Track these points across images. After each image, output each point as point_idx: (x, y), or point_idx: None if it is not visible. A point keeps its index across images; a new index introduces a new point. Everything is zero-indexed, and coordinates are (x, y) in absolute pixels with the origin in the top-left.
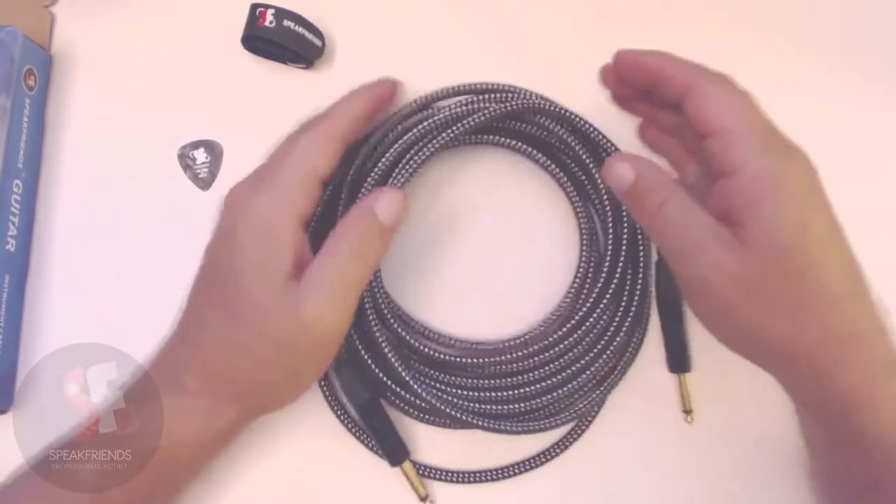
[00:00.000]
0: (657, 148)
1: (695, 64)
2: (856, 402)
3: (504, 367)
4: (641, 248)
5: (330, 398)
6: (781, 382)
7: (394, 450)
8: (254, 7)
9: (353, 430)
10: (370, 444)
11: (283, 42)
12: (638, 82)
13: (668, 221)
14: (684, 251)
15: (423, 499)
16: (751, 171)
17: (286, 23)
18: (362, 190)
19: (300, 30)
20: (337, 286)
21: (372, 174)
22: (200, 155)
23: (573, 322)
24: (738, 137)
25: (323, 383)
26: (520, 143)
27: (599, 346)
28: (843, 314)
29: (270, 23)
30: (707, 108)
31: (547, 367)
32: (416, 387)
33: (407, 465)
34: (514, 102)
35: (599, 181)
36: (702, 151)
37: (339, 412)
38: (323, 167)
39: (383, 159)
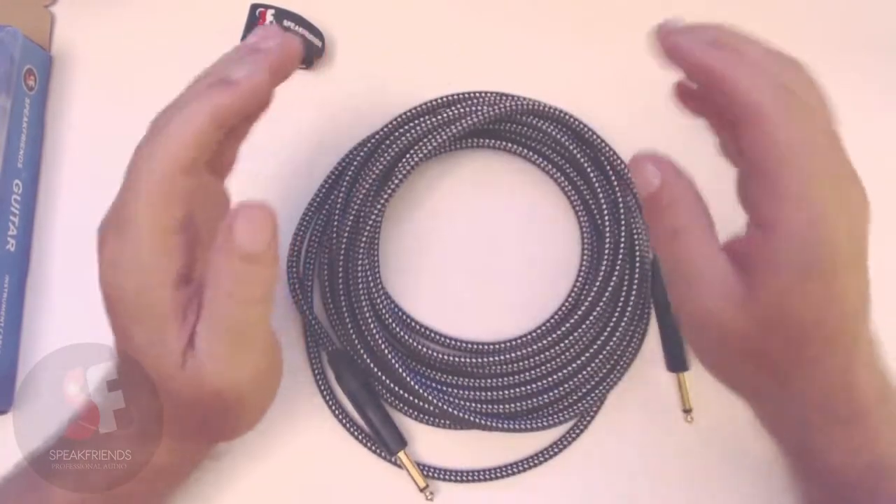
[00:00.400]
0: (695, 112)
1: (770, 68)
2: (828, 437)
3: (504, 366)
4: (639, 247)
5: (325, 392)
6: (755, 409)
7: (390, 439)
8: (254, 7)
9: (348, 425)
10: (366, 440)
11: None
12: (687, 73)
13: (676, 248)
14: (683, 284)
15: (422, 489)
16: (787, 236)
17: (286, 23)
18: (356, 200)
19: (300, 30)
20: (226, 340)
21: (368, 177)
22: None
23: (572, 321)
24: (787, 189)
25: (318, 376)
26: (517, 147)
27: (598, 345)
28: (849, 380)
29: (270, 23)
30: (765, 147)
31: (546, 366)
32: (416, 387)
33: (403, 454)
34: (505, 104)
35: (595, 182)
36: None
37: (333, 407)
38: (175, 217)
39: (379, 163)
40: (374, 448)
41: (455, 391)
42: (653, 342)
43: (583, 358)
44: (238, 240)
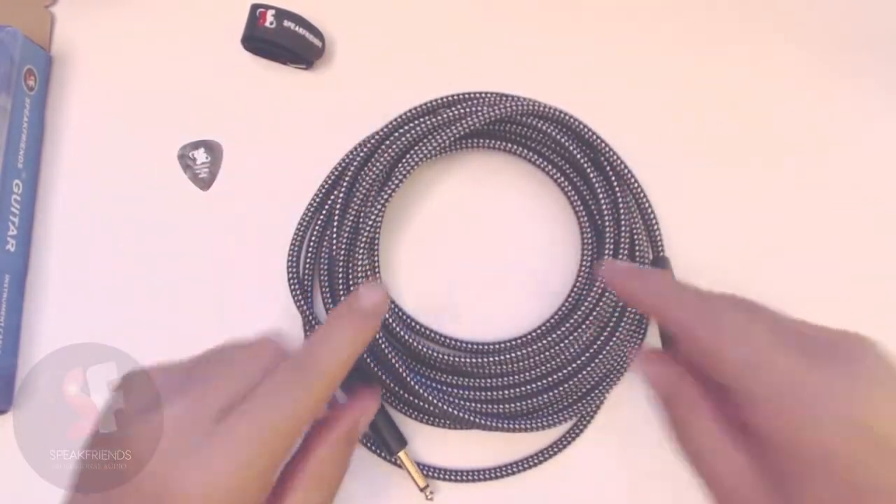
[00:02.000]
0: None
1: (673, 289)
2: None
3: (504, 366)
4: (639, 247)
5: None
6: None
7: (390, 439)
8: (254, 7)
9: None
10: (366, 440)
11: (283, 43)
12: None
13: (681, 437)
14: (699, 475)
15: (422, 489)
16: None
17: (286, 23)
18: (356, 200)
19: (300, 30)
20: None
21: (368, 177)
22: (200, 155)
23: (572, 321)
24: (747, 399)
25: None
26: (517, 147)
27: (598, 344)
28: None
29: (271, 23)
30: (715, 369)
31: (546, 366)
32: (416, 387)
33: (403, 454)
34: (506, 105)
35: (595, 181)
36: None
37: None
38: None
39: (379, 163)
40: (374, 448)
41: (455, 391)
42: (653, 341)
43: (583, 358)
44: (361, 429)
